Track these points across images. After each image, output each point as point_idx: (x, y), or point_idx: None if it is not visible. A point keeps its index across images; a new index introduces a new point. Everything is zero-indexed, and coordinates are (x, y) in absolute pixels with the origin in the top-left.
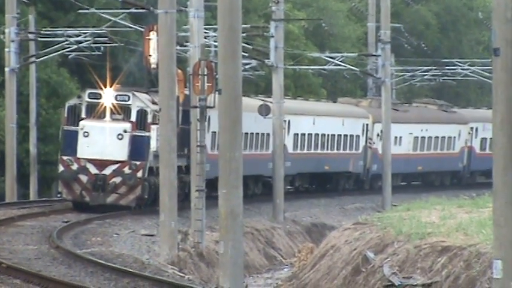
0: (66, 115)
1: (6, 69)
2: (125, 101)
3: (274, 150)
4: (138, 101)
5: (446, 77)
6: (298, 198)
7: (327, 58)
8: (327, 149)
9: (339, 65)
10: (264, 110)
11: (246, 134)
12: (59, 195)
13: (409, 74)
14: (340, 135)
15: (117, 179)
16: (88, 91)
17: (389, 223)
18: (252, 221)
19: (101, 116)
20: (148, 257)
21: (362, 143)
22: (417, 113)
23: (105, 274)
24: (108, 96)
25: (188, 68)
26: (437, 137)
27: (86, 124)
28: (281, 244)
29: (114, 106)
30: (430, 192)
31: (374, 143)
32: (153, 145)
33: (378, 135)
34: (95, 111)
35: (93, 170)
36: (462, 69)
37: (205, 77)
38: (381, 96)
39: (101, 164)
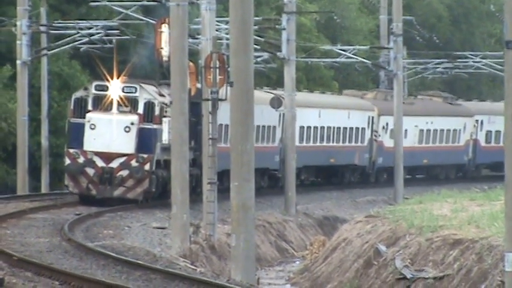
0: (72, 107)
1: (18, 61)
2: (132, 93)
3: (285, 143)
4: (146, 93)
5: (458, 70)
6: (310, 191)
7: (338, 51)
8: (333, 142)
9: (351, 57)
10: (276, 103)
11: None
12: (66, 189)
13: (421, 66)
14: (346, 128)
15: (124, 172)
16: (95, 83)
17: (401, 216)
18: (264, 214)
19: (108, 108)
20: (160, 249)
21: (367, 135)
22: (422, 105)
23: (117, 267)
24: (115, 88)
25: (200, 60)
26: (442, 130)
27: (92, 116)
28: (293, 237)
29: (121, 98)
30: (441, 185)
31: (379, 135)
32: (165, 137)
33: (383, 127)
34: (101, 104)
35: (99, 163)
36: (474, 62)
37: (217, 70)
38: (393, 89)
39: (108, 156)
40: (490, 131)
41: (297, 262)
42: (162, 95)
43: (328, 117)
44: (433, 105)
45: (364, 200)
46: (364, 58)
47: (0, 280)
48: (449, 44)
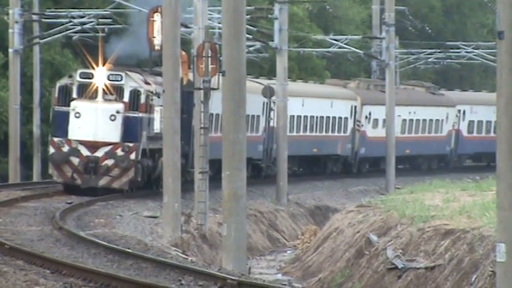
0: (56, 95)
1: (10, 50)
2: (118, 81)
3: (277, 132)
4: (131, 81)
5: (450, 60)
6: (302, 180)
7: (331, 40)
8: (316, 132)
9: (343, 47)
10: (269, 92)
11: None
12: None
13: (413, 56)
14: (329, 117)
15: (110, 162)
16: (79, 71)
17: (392, 206)
18: (256, 203)
19: (93, 97)
20: (152, 238)
21: (350, 125)
22: (405, 95)
23: (108, 256)
24: (101, 76)
25: (192, 49)
26: (425, 120)
27: (77, 104)
28: (284, 226)
29: (106, 86)
30: (433, 175)
31: (362, 125)
32: (157, 127)
33: (366, 117)
34: (86, 92)
35: (84, 152)
36: (466, 52)
37: (209, 59)
38: (385, 78)
39: (93, 145)
40: (473, 121)
41: (289, 252)
42: (147, 83)
43: (311, 106)
44: (415, 95)
45: (355, 190)
46: (356, 48)
47: None
48: (442, 34)
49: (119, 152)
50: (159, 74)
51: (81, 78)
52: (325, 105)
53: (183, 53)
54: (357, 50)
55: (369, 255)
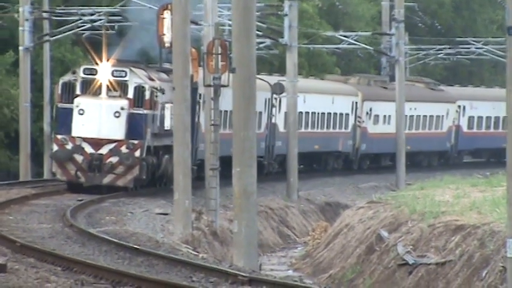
0: (60, 92)
1: (20, 47)
2: (122, 77)
3: (288, 129)
4: (136, 77)
5: (460, 56)
6: (312, 177)
7: (340, 37)
8: (317, 128)
9: (353, 43)
10: (278, 89)
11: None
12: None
13: (423, 52)
14: (330, 113)
15: (114, 159)
16: (83, 67)
17: (403, 202)
18: (266, 200)
19: (97, 93)
20: (163, 235)
21: (351, 121)
22: (405, 91)
23: (119, 253)
24: (105, 72)
25: (202, 47)
26: (425, 116)
27: (81, 101)
28: (295, 223)
29: (110, 82)
30: (435, 171)
31: (363, 121)
32: (167, 124)
33: (367, 113)
34: (90, 88)
35: (88, 149)
36: (476, 48)
37: (219, 56)
38: (395, 75)
39: (97, 143)
40: (472, 117)
41: (299, 248)
42: (151, 79)
43: (313, 103)
44: (416, 90)
45: (366, 186)
46: (366, 44)
47: (3, 266)
48: (451, 30)
49: (124, 149)
50: (163, 71)
51: (84, 74)
52: (326, 101)
53: (193, 50)
54: (367, 47)
55: (380, 251)
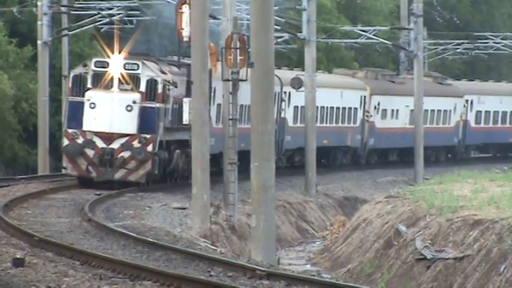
0: (70, 85)
1: (39, 42)
2: (134, 70)
3: (306, 123)
4: (148, 70)
5: (478, 51)
6: (330, 171)
7: (359, 31)
8: (326, 123)
9: (371, 38)
10: (297, 83)
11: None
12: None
13: (441, 47)
14: (339, 108)
15: (126, 154)
16: (94, 59)
17: (421, 196)
18: (284, 194)
19: (109, 86)
20: (181, 230)
21: (360, 116)
22: (413, 85)
23: (137, 247)
24: (116, 64)
25: (220, 41)
26: (433, 111)
27: (92, 95)
28: (313, 217)
29: (122, 75)
30: (461, 166)
31: (371, 116)
32: (185, 118)
33: (375, 107)
34: (102, 81)
35: (100, 143)
36: (494, 43)
37: (238, 51)
38: (413, 69)
39: (109, 137)
40: (480, 112)
41: (317, 242)
42: (163, 72)
43: (322, 96)
44: (424, 84)
45: (384, 181)
46: (384, 39)
47: (21, 260)
48: (470, 25)
49: (136, 143)
50: (174, 64)
51: (96, 67)
52: (335, 95)
53: (212, 44)
54: (385, 41)
55: (398, 245)
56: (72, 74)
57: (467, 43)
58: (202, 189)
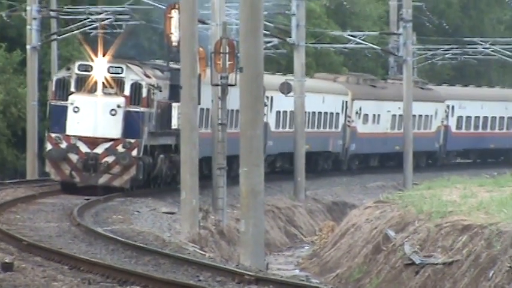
0: (53, 89)
1: (28, 46)
2: (118, 73)
3: (296, 128)
4: (133, 73)
5: (467, 56)
6: (320, 176)
7: (348, 36)
8: (308, 128)
9: (361, 43)
10: (286, 88)
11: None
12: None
13: (431, 52)
14: (321, 112)
15: (110, 158)
16: (78, 63)
17: (410, 202)
18: (273, 199)
19: (92, 90)
20: (170, 234)
21: (341, 121)
22: (394, 89)
23: (126, 252)
24: (100, 68)
25: (210, 46)
26: (414, 116)
27: (75, 98)
28: (302, 222)
29: (106, 79)
30: (450, 171)
31: (353, 121)
32: (174, 123)
33: (356, 112)
34: (85, 85)
35: (83, 148)
36: (483, 48)
37: (227, 55)
38: (402, 74)
39: (93, 142)
40: (461, 117)
41: (306, 247)
42: (148, 76)
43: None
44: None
45: (373, 186)
46: (373, 44)
47: (9, 264)
48: (459, 30)
49: (120, 148)
50: (157, 68)
51: (79, 70)
52: (317, 100)
53: (201, 49)
54: (374, 46)
55: (387, 251)
56: (55, 78)
57: (456, 48)
58: (191, 194)
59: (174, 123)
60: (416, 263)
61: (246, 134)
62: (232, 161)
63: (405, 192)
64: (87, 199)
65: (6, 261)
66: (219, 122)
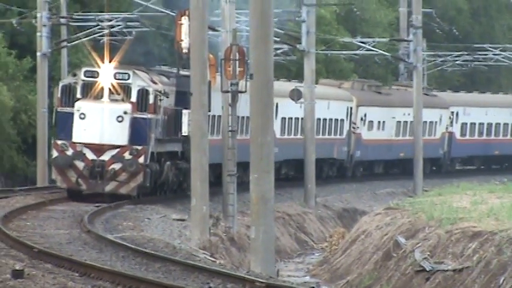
0: (59, 95)
1: (38, 53)
2: (125, 79)
3: (306, 135)
4: (139, 79)
5: (477, 63)
6: (330, 183)
7: (358, 43)
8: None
9: (371, 50)
10: (296, 95)
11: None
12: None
13: (441, 59)
14: (326, 119)
15: (117, 166)
16: (84, 69)
17: (420, 208)
18: (283, 206)
19: (99, 96)
20: (180, 241)
21: (346, 127)
22: (399, 96)
23: (137, 259)
24: (107, 74)
25: (220, 53)
26: None
27: (82, 105)
28: (312, 229)
29: (112, 85)
30: (460, 177)
31: (358, 127)
32: (184, 129)
33: (361, 119)
34: (91, 91)
35: (90, 155)
36: (494, 55)
37: (237, 62)
38: (412, 81)
39: (99, 148)
40: (465, 123)
41: (317, 254)
42: (154, 82)
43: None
44: (409, 96)
45: (383, 192)
46: (383, 50)
47: (20, 272)
48: (469, 36)
49: (127, 155)
50: (163, 74)
51: (85, 76)
52: (322, 106)
53: (211, 56)
54: (384, 53)
55: (397, 257)
56: (61, 84)
57: (466, 55)
58: (201, 200)
59: (185, 130)
60: (427, 269)
61: (257, 141)
62: (245, 168)
63: (415, 198)
64: (98, 206)
65: (17, 268)
66: (229, 128)
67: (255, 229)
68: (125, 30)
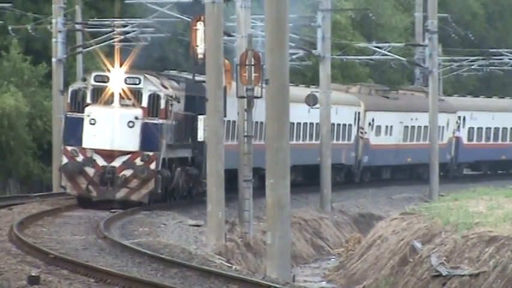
0: (69, 100)
1: (53, 59)
2: (136, 84)
3: (321, 140)
4: (150, 84)
5: (493, 67)
6: (346, 188)
7: (374, 48)
8: (321, 140)
9: (386, 55)
10: (312, 100)
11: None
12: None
13: (456, 64)
14: (334, 124)
15: (128, 172)
16: (94, 73)
17: (436, 213)
18: (300, 211)
19: (109, 102)
20: (196, 247)
21: (354, 132)
22: (406, 100)
23: (153, 264)
24: (117, 79)
25: (235, 58)
26: (426, 127)
27: (92, 110)
28: (328, 234)
29: (123, 90)
30: (477, 182)
31: (366, 132)
32: (200, 135)
33: (369, 124)
34: (102, 96)
35: (100, 161)
36: (509, 59)
37: (252, 67)
38: (428, 86)
39: (110, 155)
40: (472, 128)
41: (333, 259)
42: (165, 87)
43: (316, 113)
44: (417, 100)
45: (399, 197)
46: (399, 55)
47: (36, 278)
48: (485, 41)
49: (138, 161)
50: (173, 79)
51: (95, 81)
52: (331, 112)
53: (226, 61)
54: (400, 58)
55: (413, 262)
56: (70, 89)
57: (482, 59)
58: (217, 206)
59: (200, 136)
60: (443, 274)
61: (272, 146)
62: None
63: (431, 203)
64: (113, 212)
65: (33, 274)
66: (245, 134)
67: (271, 234)
68: (140, 36)
